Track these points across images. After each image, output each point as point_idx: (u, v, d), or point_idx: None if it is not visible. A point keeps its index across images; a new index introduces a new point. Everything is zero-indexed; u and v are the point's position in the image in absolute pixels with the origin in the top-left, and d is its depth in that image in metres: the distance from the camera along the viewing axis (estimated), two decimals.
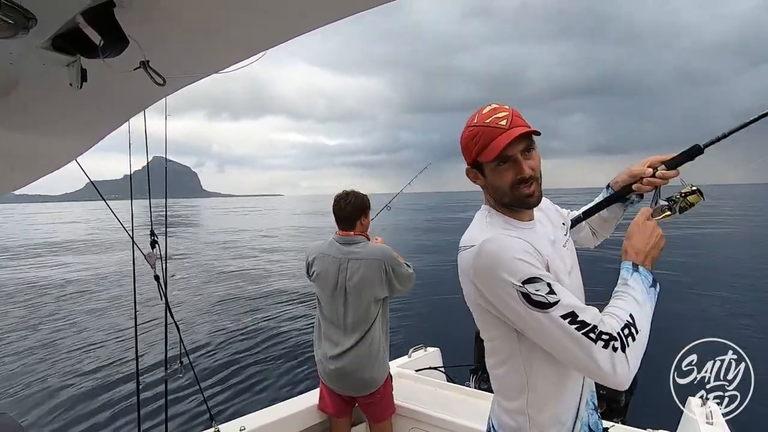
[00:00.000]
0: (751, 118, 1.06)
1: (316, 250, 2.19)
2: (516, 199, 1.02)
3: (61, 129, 1.27)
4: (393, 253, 2.12)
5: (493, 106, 1.02)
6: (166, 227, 2.03)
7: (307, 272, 2.24)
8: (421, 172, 3.26)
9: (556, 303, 0.89)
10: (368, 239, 2.20)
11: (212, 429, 2.07)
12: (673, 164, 1.12)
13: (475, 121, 1.02)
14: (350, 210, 2.13)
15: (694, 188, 1.07)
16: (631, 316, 0.91)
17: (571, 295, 0.92)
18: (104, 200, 1.90)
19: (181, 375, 2.17)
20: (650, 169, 1.14)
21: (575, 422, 1.04)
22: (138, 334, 1.94)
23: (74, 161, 1.51)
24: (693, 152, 1.10)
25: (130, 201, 1.87)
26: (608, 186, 1.27)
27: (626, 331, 0.89)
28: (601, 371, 0.86)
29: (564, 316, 0.88)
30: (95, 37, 0.72)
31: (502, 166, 1.01)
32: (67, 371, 5.97)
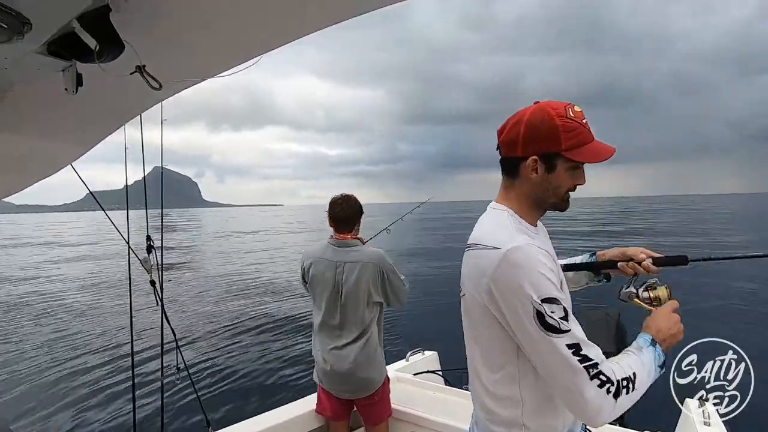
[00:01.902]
0: (743, 255, 1.19)
1: (312, 255, 2.21)
2: (562, 202, 1.06)
3: (56, 133, 1.26)
4: (388, 259, 2.15)
5: (578, 109, 1.01)
6: (162, 233, 2.02)
7: (303, 279, 2.24)
8: (423, 203, 3.30)
9: (567, 332, 0.90)
10: (363, 243, 2.23)
11: None
12: (658, 262, 1.19)
13: (571, 114, 0.99)
14: (349, 213, 2.17)
15: (665, 287, 1.15)
16: (634, 374, 0.94)
17: (580, 328, 0.93)
18: (102, 208, 1.90)
19: (177, 380, 2.16)
20: (643, 255, 1.19)
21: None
22: (134, 339, 1.93)
23: (69, 166, 1.51)
24: (679, 260, 1.19)
25: (126, 211, 1.88)
26: (593, 254, 1.32)
27: (625, 383, 0.92)
28: (587, 405, 0.89)
29: (569, 346, 0.89)
30: (91, 42, 0.72)
31: (578, 171, 1.03)
32: (61, 376, 5.92)
